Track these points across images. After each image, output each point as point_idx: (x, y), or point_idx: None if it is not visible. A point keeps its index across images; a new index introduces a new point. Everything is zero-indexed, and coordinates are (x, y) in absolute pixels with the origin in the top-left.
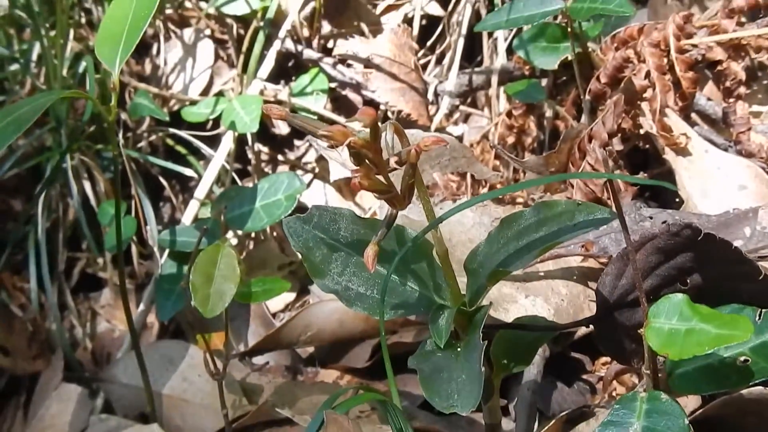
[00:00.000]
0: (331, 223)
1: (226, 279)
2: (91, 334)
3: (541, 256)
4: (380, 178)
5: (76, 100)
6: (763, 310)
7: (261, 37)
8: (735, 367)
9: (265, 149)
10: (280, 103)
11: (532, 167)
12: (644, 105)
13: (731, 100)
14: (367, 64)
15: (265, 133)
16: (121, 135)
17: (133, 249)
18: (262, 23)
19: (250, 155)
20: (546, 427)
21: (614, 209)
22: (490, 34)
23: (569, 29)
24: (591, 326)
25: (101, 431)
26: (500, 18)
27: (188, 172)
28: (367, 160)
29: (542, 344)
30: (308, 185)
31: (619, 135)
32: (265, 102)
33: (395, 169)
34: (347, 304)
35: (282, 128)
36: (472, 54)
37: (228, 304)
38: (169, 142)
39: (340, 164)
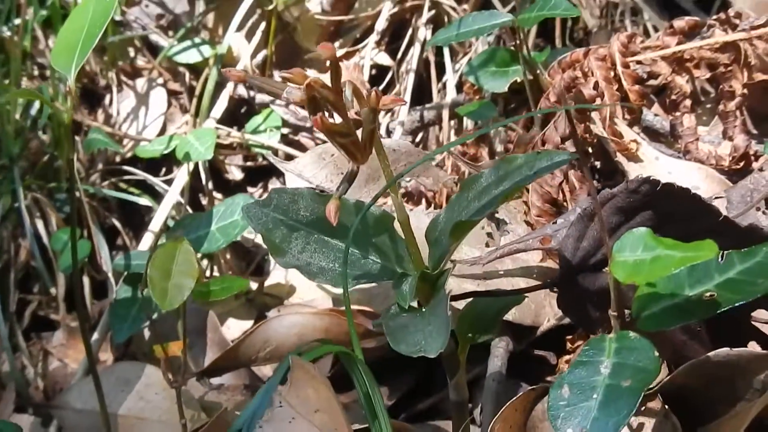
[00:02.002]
0: (291, 204)
1: (184, 274)
2: (43, 373)
3: (500, 252)
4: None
5: (29, 140)
6: (725, 252)
7: (213, 76)
8: (701, 301)
9: (219, 195)
10: (232, 145)
11: None
12: (594, 115)
13: (677, 113)
14: None
15: (218, 178)
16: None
17: (87, 288)
18: (214, 68)
19: (204, 201)
20: (512, 401)
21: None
22: (439, 76)
23: (519, 41)
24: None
25: None
26: (450, 32)
27: (143, 201)
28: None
29: (507, 312)
30: None
31: (572, 140)
32: (218, 132)
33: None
34: (310, 278)
35: (236, 174)
36: (421, 99)
37: (186, 299)
38: (123, 186)
39: (297, 176)
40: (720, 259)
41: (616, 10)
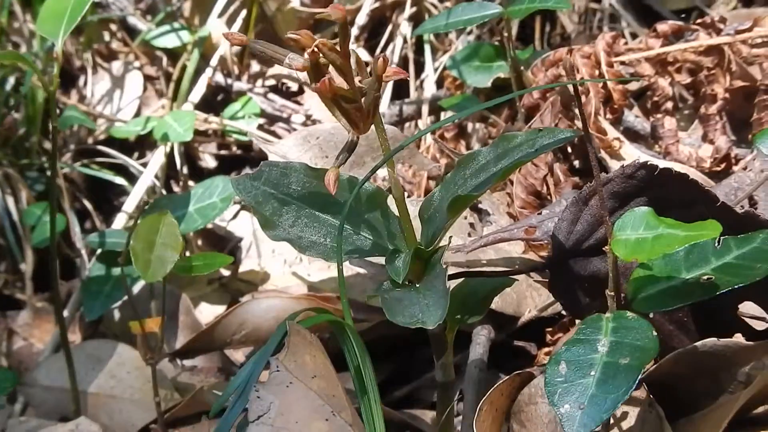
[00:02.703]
0: (282, 178)
1: (168, 246)
2: (7, 353)
3: (484, 241)
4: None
5: (3, 116)
6: (722, 238)
7: (194, 60)
8: (699, 284)
9: (191, 183)
10: (207, 132)
11: None
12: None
13: (659, 114)
14: (302, 83)
15: (191, 166)
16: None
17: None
18: (195, 52)
19: (176, 188)
20: (498, 384)
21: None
22: (417, 73)
23: (507, 35)
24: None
25: None
26: (439, 22)
27: (119, 180)
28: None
29: (497, 294)
30: (235, 216)
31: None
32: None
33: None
34: (300, 251)
35: (209, 162)
36: (399, 95)
37: (168, 272)
38: (95, 167)
39: (281, 158)
40: (717, 244)
41: (595, 16)
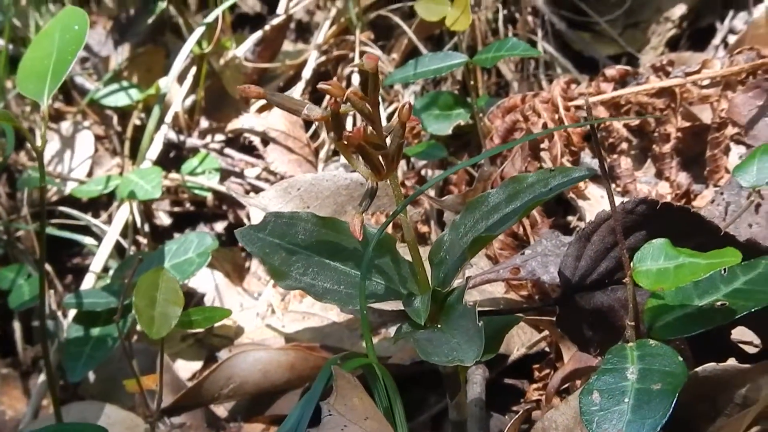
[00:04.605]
0: (288, 228)
1: (170, 302)
2: None
3: (472, 282)
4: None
5: None
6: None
7: (155, 116)
8: (716, 309)
9: (144, 241)
10: (173, 188)
11: (450, 206)
12: (544, 154)
13: (615, 155)
14: (264, 137)
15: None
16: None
17: (17, 334)
18: (156, 108)
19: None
20: (510, 425)
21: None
22: None
23: (474, 82)
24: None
25: None
26: (407, 72)
27: (88, 240)
28: (361, 115)
29: (509, 330)
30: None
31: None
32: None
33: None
34: (317, 298)
35: (164, 219)
36: None
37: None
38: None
39: (262, 210)
40: (723, 272)
41: (530, 64)
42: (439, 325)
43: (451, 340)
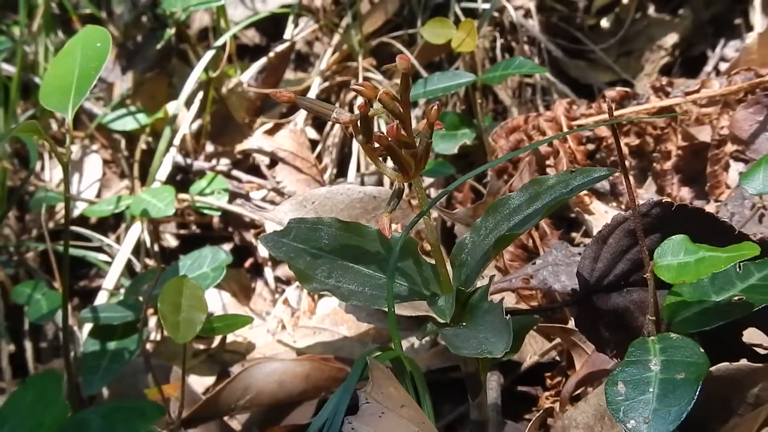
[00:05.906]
0: (311, 233)
1: (194, 308)
2: None
3: None
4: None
5: None
6: (742, 263)
7: (165, 138)
8: (733, 303)
9: (151, 263)
10: (179, 210)
11: (461, 218)
12: (550, 171)
13: (616, 174)
14: (273, 157)
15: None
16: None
17: (28, 353)
18: (167, 130)
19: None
20: (528, 427)
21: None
22: None
23: (481, 101)
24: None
25: None
26: (418, 90)
27: (102, 257)
28: (392, 115)
29: (528, 331)
30: None
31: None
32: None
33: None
34: (342, 299)
35: (170, 241)
36: (358, 167)
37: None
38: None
39: (277, 224)
40: (738, 269)
41: (527, 90)
42: (464, 323)
43: (479, 335)
